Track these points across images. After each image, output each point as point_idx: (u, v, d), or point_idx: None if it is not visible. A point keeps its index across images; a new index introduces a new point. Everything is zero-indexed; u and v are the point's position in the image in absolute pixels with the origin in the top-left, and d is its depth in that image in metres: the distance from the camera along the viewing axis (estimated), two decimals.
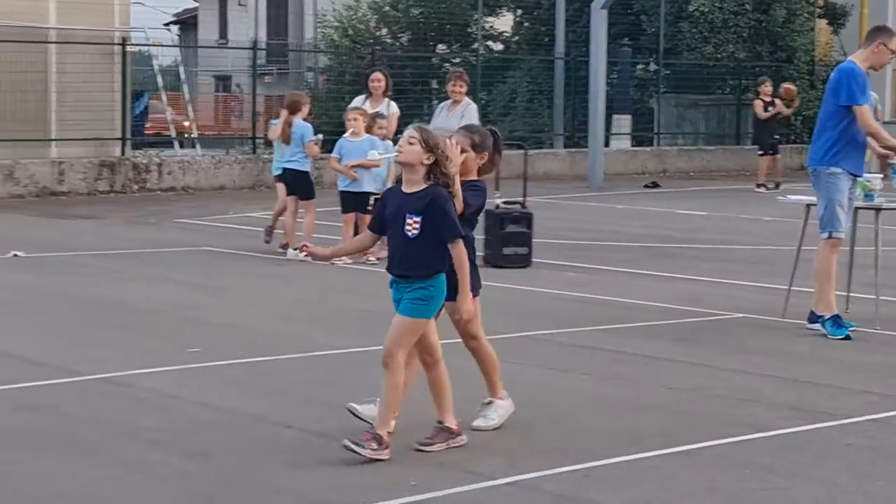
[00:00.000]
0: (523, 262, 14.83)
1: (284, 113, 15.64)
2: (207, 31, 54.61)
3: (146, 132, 30.76)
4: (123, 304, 11.94)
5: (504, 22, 37.63)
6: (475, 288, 7.37)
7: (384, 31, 36.97)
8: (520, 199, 15.44)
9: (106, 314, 11.45)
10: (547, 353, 10.16)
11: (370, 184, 14.95)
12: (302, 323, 11.29)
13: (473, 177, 7.59)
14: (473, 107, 15.96)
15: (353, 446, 6.87)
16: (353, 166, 14.84)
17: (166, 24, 51.85)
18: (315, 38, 42.37)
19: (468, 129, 7.82)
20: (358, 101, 16.22)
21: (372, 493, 6.47)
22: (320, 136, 15.69)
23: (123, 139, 24.66)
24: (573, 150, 30.68)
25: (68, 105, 23.94)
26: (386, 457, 6.90)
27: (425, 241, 6.96)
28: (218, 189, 24.76)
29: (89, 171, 23.35)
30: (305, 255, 7.67)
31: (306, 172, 15.53)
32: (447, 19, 35.88)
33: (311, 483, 6.65)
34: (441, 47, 36.24)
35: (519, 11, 37.20)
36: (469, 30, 36.32)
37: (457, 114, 15.59)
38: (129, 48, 25.16)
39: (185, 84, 28.58)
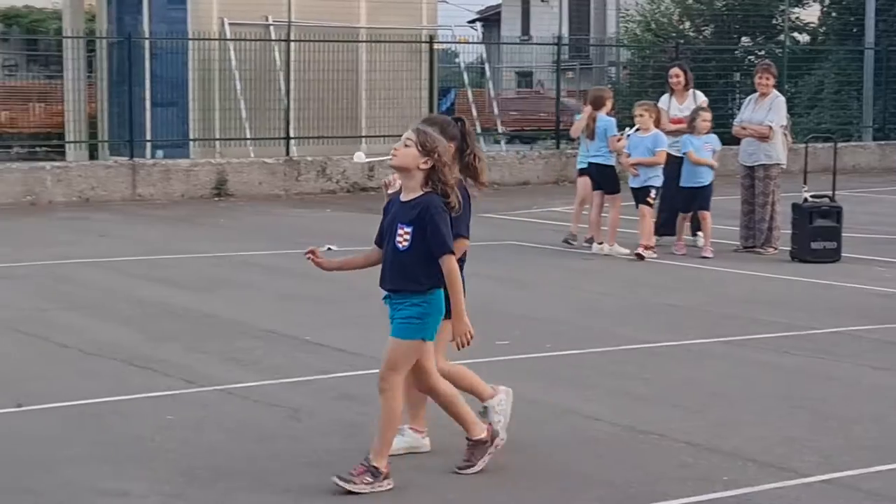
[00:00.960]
0: (832, 256, 14.49)
1: (588, 108, 15.69)
2: (510, 27, 55.14)
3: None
4: None
5: (811, 13, 36.74)
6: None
7: (687, 24, 36.60)
8: (828, 192, 15.10)
9: None
10: (860, 349, 9.91)
11: (657, 178, 14.82)
12: (609, 317, 11.31)
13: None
14: (781, 99, 15.64)
15: (341, 483, 6.31)
16: (633, 164, 14.80)
17: (470, 22, 52.59)
18: (617, 32, 42.29)
19: (425, 120, 6.90)
20: (663, 100, 16.14)
21: (683, 486, 6.46)
22: (627, 132, 15.64)
23: None
24: (883, 142, 29.76)
25: (377, 102, 24.58)
26: (389, 487, 6.38)
27: (417, 254, 6.32)
28: (522, 184, 24.97)
29: None
30: (308, 259, 6.76)
31: (612, 167, 15.51)
32: (752, 11, 35.26)
33: (620, 475, 6.67)
34: (745, 40, 35.64)
35: (826, 1, 36.29)
36: (774, 21, 35.60)
37: (764, 106, 15.34)
38: (435, 46, 25.64)
39: (490, 80, 28.91)
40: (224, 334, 10.40)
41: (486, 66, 29.67)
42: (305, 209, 20.41)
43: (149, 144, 23.16)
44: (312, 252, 6.69)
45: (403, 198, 6.40)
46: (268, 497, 6.38)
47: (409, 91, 24.67)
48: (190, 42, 23.05)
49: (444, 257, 6.29)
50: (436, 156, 6.28)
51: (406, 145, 6.31)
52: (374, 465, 6.35)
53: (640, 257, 14.53)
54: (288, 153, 23.16)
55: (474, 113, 27.56)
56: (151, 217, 18.90)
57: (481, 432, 6.69)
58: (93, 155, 23.63)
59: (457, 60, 30.58)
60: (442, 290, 6.39)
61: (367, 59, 24.67)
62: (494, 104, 28.51)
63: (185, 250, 15.30)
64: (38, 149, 24.40)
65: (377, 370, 8.98)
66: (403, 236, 6.32)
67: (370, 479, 6.33)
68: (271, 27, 23.90)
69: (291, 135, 23.33)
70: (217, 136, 23.21)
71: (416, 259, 6.30)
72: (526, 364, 9.36)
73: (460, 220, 6.60)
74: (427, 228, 6.26)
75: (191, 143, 23.27)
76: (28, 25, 40.00)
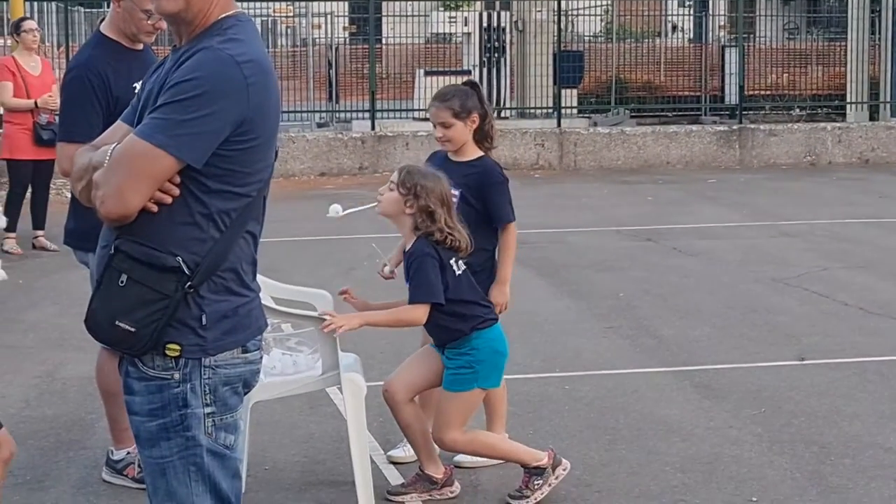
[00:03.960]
0: None
1: None
2: None
3: None
4: None
5: None
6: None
7: None
8: None
9: None
10: None
11: None
12: None
13: (471, 154, 6.15)
14: None
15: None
16: None
17: None
18: None
19: (440, 96, 6.16)
20: None
21: None
22: None
23: None
24: None
25: None
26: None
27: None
28: None
29: None
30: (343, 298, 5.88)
31: None
32: None
33: None
34: None
35: None
36: None
37: None
38: None
39: None
40: None
41: None
42: None
43: None
44: (347, 292, 5.78)
45: (406, 249, 5.69)
46: None
47: None
48: None
49: (416, 304, 5.53)
50: (412, 198, 5.51)
51: (390, 189, 5.59)
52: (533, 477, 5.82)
53: None
54: None
55: None
56: None
57: (437, 472, 5.87)
58: (873, 116, 23.43)
59: None
60: (494, 328, 5.67)
61: None
62: None
63: None
64: (819, 110, 24.56)
65: None
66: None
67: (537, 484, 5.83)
68: None
69: None
70: None
71: (435, 312, 5.55)
72: None
73: (500, 204, 6.08)
74: (411, 279, 5.55)
75: None
76: None
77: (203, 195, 3.31)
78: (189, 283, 3.30)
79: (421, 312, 5.53)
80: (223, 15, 3.40)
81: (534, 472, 5.80)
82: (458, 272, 5.61)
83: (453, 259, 5.60)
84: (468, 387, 5.65)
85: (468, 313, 5.60)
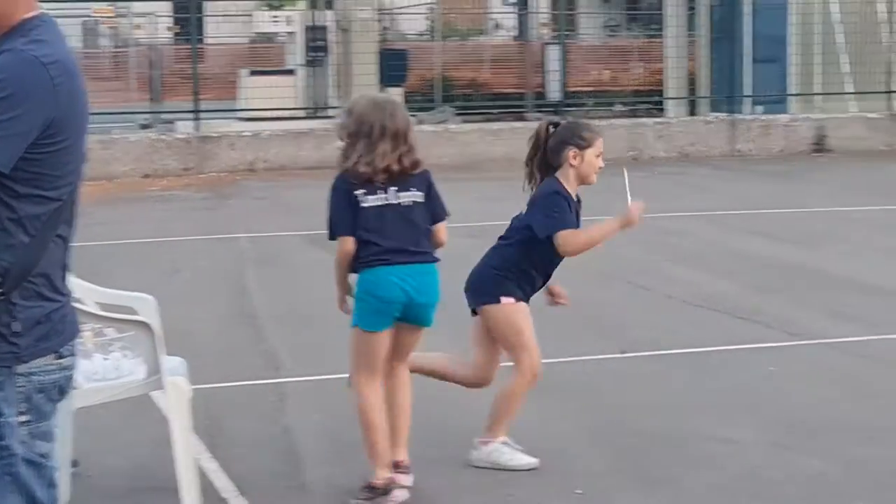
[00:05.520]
0: None
1: None
2: None
3: None
4: None
5: None
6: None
7: None
8: None
9: None
10: None
11: None
12: None
13: None
14: None
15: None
16: None
17: None
18: None
19: (597, 129, 6.44)
20: None
21: None
22: None
23: None
24: None
25: None
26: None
27: None
28: None
29: None
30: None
31: None
32: None
33: None
34: None
35: None
36: None
37: None
38: None
39: None
40: (828, 288, 10.28)
41: None
42: None
43: (748, 100, 23.11)
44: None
45: None
46: (863, 451, 6.28)
47: None
48: None
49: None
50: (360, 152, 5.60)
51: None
52: (372, 483, 5.70)
53: None
54: (890, 108, 22.43)
55: None
56: (750, 172, 18.89)
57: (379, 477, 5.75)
58: (692, 111, 23.92)
59: None
60: (365, 272, 5.63)
61: None
62: None
63: (784, 205, 15.21)
64: (639, 106, 24.97)
65: None
66: None
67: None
68: None
69: (893, 88, 22.58)
70: (817, 92, 22.83)
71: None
72: None
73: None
74: None
75: (789, 98, 23.04)
76: None
77: (12, 200, 3.23)
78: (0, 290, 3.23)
79: (337, 245, 5.61)
80: (26, 16, 3.33)
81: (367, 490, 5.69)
82: (364, 204, 5.57)
83: (361, 190, 5.56)
84: (352, 323, 5.69)
85: (360, 252, 5.58)
